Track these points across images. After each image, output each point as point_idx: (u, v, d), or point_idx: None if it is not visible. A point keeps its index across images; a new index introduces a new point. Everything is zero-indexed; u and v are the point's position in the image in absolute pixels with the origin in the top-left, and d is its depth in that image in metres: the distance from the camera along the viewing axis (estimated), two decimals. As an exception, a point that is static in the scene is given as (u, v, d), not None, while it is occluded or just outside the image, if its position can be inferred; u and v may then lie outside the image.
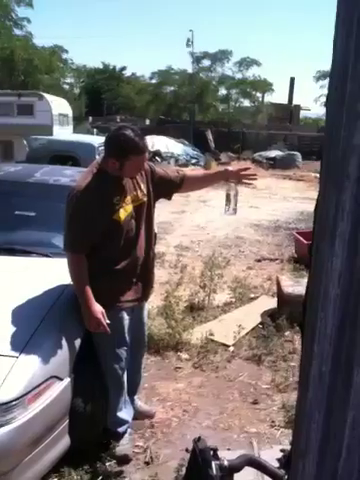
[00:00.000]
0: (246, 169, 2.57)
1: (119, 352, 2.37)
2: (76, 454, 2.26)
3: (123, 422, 2.44)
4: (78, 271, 2.20)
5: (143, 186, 2.36)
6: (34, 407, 1.87)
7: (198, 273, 4.88)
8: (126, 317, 2.36)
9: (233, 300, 4.53)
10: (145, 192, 2.37)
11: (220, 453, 1.61)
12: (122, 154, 2.15)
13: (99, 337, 2.31)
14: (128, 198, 2.27)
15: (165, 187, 2.47)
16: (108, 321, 2.19)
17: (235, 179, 2.49)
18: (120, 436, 2.42)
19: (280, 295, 4.23)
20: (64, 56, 25.41)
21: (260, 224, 8.29)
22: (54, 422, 2.01)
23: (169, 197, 2.56)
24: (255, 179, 2.59)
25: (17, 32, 22.62)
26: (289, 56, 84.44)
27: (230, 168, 2.57)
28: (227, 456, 1.63)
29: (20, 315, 2.16)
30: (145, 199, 2.36)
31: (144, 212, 2.37)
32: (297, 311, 3.58)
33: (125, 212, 2.25)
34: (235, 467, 1.58)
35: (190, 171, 2.60)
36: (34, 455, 1.93)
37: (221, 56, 26.01)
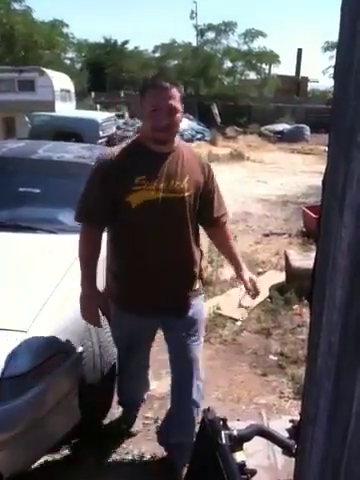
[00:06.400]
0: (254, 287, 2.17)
1: (122, 360, 2.27)
2: (87, 426, 2.31)
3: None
4: (83, 245, 1.92)
5: (189, 179, 1.89)
6: (43, 381, 1.90)
7: (205, 248, 4.88)
8: (129, 324, 2.09)
9: (241, 275, 4.53)
10: (188, 188, 1.89)
11: (229, 423, 1.64)
12: (141, 90, 1.87)
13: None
14: (159, 185, 1.84)
15: (203, 208, 2.00)
16: (101, 314, 2.04)
17: (245, 287, 2.16)
18: (129, 406, 2.47)
19: (288, 269, 4.24)
20: (65, 30, 24.91)
21: (268, 199, 8.24)
22: (64, 395, 2.04)
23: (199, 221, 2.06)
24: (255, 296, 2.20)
25: (16, 6, 22.21)
26: (296, 26, 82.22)
27: (246, 277, 2.15)
28: (236, 426, 1.65)
29: (28, 290, 2.18)
30: (185, 195, 1.88)
31: (180, 211, 1.89)
32: (305, 285, 3.58)
33: (142, 198, 1.83)
34: (245, 437, 1.61)
35: (228, 228, 2.18)
36: (45, 428, 1.97)
37: (226, 28, 25.38)
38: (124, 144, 1.95)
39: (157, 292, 1.97)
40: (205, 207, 2.00)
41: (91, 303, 1.96)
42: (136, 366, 2.32)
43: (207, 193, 1.99)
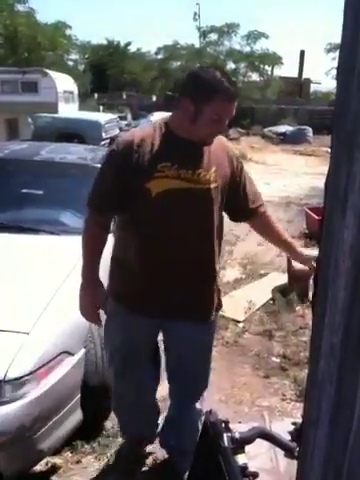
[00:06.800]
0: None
1: (116, 366, 1.96)
2: (89, 427, 2.31)
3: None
4: (89, 232, 1.78)
5: (216, 170, 1.73)
6: (46, 382, 1.90)
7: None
8: (128, 325, 1.86)
9: (243, 276, 4.54)
10: (215, 179, 1.72)
11: (232, 425, 1.63)
12: (203, 92, 1.59)
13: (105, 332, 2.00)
14: (183, 173, 1.66)
15: (238, 202, 1.88)
16: (102, 312, 1.87)
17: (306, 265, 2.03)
18: (132, 440, 2.41)
19: (290, 271, 4.22)
20: (68, 32, 25.02)
21: (271, 200, 8.22)
22: (66, 396, 2.05)
23: (230, 216, 1.94)
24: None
25: (19, 8, 22.30)
26: (299, 28, 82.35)
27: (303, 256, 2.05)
28: (239, 428, 1.65)
29: (30, 292, 2.18)
30: (211, 187, 1.71)
31: (204, 203, 1.72)
32: (308, 287, 3.59)
33: (164, 186, 1.66)
34: (247, 439, 1.60)
35: (271, 215, 2.06)
36: (46, 429, 1.97)
37: (228, 30, 25.44)
38: (146, 129, 1.76)
39: (171, 290, 1.77)
40: (240, 200, 1.87)
41: (92, 297, 1.82)
42: (135, 383, 1.96)
43: (236, 186, 1.84)
